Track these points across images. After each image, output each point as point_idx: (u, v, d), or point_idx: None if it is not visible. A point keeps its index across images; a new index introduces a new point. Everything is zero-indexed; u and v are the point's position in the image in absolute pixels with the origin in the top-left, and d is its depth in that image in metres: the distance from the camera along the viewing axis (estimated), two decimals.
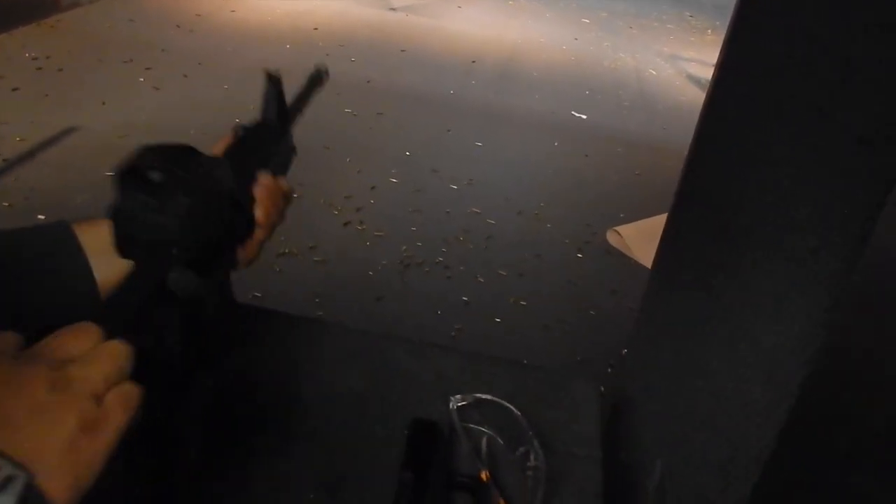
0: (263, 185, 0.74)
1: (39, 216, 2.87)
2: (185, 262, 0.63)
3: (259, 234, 0.75)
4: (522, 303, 2.88)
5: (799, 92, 0.89)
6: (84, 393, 0.49)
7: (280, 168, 0.81)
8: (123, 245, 0.64)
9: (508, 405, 0.99)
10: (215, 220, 0.67)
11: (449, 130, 4.31)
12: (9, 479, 0.43)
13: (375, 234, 3.13)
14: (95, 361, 0.51)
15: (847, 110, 0.77)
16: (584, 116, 4.84)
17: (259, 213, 0.74)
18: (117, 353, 0.51)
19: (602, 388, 2.27)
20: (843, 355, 0.73)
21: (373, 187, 3.47)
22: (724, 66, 1.18)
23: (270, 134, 0.82)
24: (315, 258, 2.88)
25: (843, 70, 0.79)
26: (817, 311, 0.71)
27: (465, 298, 2.85)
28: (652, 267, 1.47)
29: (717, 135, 1.08)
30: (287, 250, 2.85)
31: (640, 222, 3.38)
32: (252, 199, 0.74)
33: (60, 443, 0.48)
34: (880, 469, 0.61)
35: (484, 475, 0.91)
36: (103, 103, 3.92)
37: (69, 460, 0.48)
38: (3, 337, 0.51)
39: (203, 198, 0.65)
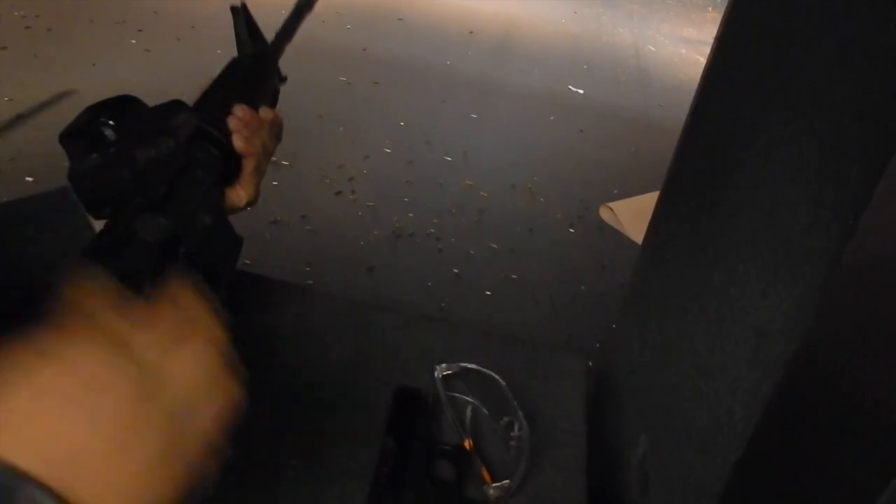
0: (237, 116, 0.74)
1: (27, 178, 2.84)
2: (153, 208, 0.62)
3: (248, 164, 0.75)
4: (513, 277, 2.87)
5: (797, 68, 0.88)
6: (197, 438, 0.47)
7: (264, 98, 0.81)
8: (90, 207, 0.63)
9: (494, 375, 0.99)
10: (176, 161, 0.66)
11: (444, 102, 4.28)
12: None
13: (367, 204, 3.11)
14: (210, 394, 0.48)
15: (846, 86, 0.76)
16: (580, 91, 4.81)
17: (238, 143, 0.73)
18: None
19: (589, 363, 2.27)
20: (831, 334, 0.73)
21: (366, 157, 3.44)
22: (723, 41, 1.16)
23: (247, 67, 0.81)
24: (306, 227, 2.86)
25: (843, 46, 0.77)
26: (807, 289, 0.70)
27: (455, 271, 2.85)
28: (642, 243, 1.46)
29: (713, 111, 1.07)
30: (278, 218, 2.84)
31: (632, 199, 3.38)
32: (228, 133, 0.73)
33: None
34: (866, 450, 0.61)
35: (467, 444, 0.91)
36: (93, 65, 3.87)
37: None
38: (103, 285, 0.48)
39: (157, 143, 0.64)
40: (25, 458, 0.40)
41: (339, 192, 3.10)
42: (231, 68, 0.80)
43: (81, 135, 0.61)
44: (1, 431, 0.40)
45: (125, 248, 0.59)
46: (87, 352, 0.45)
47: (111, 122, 0.62)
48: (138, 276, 0.59)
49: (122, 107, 0.64)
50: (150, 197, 0.63)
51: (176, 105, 0.68)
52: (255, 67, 0.82)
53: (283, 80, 0.87)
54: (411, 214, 3.11)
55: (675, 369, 1.03)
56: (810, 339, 0.70)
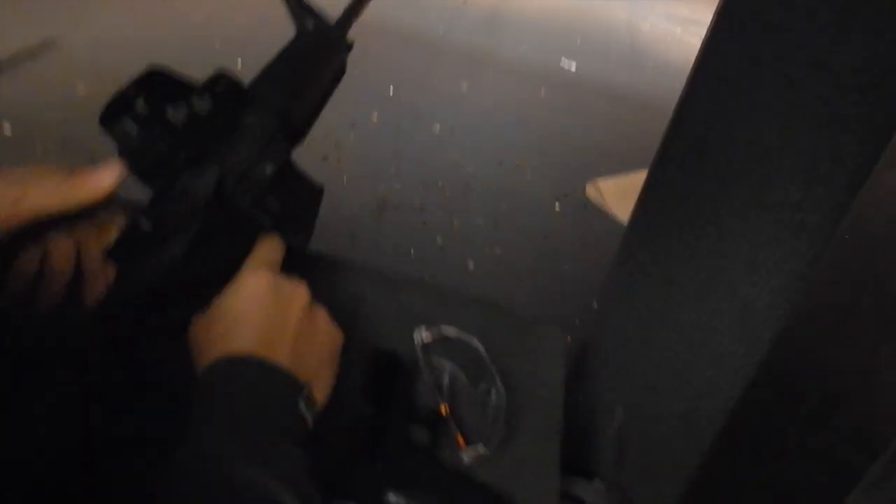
0: None
1: (5, 122, 2.78)
2: (201, 161, 0.68)
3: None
4: (497, 251, 2.86)
5: (796, 42, 0.86)
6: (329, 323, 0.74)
7: (326, 75, 0.84)
8: (147, 180, 0.68)
9: (474, 341, 0.98)
10: (216, 119, 0.69)
11: (434, 72, 4.23)
12: (302, 387, 0.65)
13: (352, 172, 3.08)
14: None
15: (844, 60, 0.74)
16: (572, 68, 4.78)
17: None
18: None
19: (569, 339, 2.27)
20: (819, 311, 0.72)
21: (353, 124, 3.40)
22: (721, 15, 1.14)
23: (309, 44, 0.82)
24: None
25: (843, 19, 0.76)
26: (797, 264, 0.69)
27: (439, 244, 2.83)
28: (629, 217, 1.45)
29: (709, 83, 1.05)
30: None
31: (619, 178, 3.37)
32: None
33: (326, 365, 0.71)
34: (852, 429, 0.60)
35: (443, 409, 0.90)
36: (78, 16, 3.78)
37: (329, 378, 0.71)
38: (269, 248, 0.73)
39: (190, 103, 0.67)
40: (248, 344, 0.64)
41: (324, 158, 3.07)
42: (294, 44, 0.80)
43: (117, 114, 0.64)
44: (234, 328, 0.65)
45: (169, 202, 0.66)
46: (273, 279, 0.69)
47: (141, 95, 0.64)
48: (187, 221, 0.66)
49: (151, 79, 0.67)
50: (194, 155, 0.67)
51: (217, 72, 0.71)
52: (318, 44, 0.83)
53: (349, 48, 0.87)
54: (397, 186, 3.08)
55: (658, 343, 1.02)
56: (797, 316, 0.69)
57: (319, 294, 1.02)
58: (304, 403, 0.65)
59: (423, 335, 0.97)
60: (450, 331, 0.99)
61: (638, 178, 1.43)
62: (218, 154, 0.70)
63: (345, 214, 2.85)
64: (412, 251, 2.75)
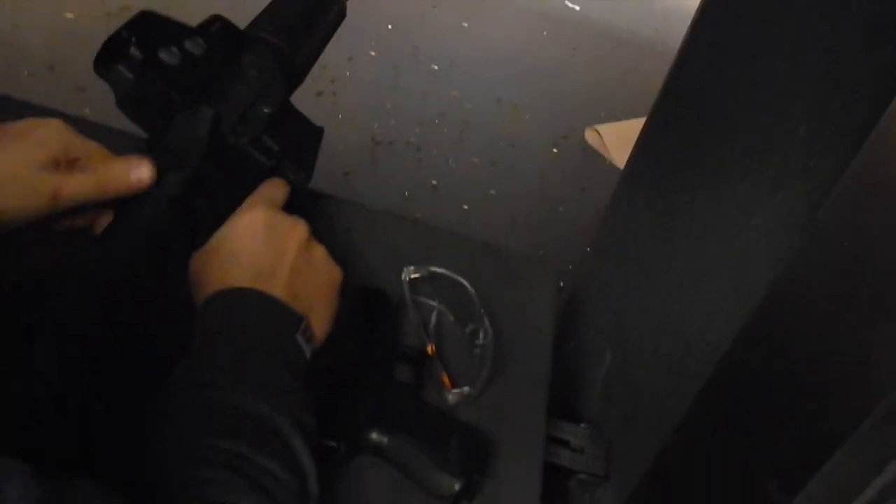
0: None
1: None
2: (196, 102, 0.68)
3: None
4: (492, 192, 2.83)
5: None
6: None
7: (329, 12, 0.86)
8: (145, 126, 0.69)
9: (462, 281, 0.96)
10: (210, 61, 0.69)
11: (435, 7, 4.12)
12: (300, 320, 0.65)
13: (348, 107, 3.02)
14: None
15: None
16: (577, 7, 4.66)
17: None
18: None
19: (561, 283, 2.26)
20: (816, 264, 0.70)
21: (350, 58, 3.32)
22: None
23: None
24: None
25: None
26: (798, 211, 0.67)
27: (434, 182, 2.79)
28: (626, 163, 1.42)
29: (717, 19, 1.01)
30: None
31: (619, 123, 3.31)
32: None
33: (324, 301, 0.72)
34: (837, 390, 0.59)
35: (430, 349, 0.89)
36: None
37: (328, 314, 0.72)
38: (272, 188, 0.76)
39: (183, 45, 0.67)
40: (245, 278, 0.65)
41: (320, 93, 3.00)
42: None
43: (110, 59, 0.64)
44: (231, 262, 0.67)
45: (166, 142, 0.66)
46: (270, 215, 0.71)
47: (133, 40, 0.64)
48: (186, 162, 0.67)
49: (144, 21, 0.66)
50: (189, 97, 0.67)
51: (212, 16, 0.72)
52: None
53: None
54: (393, 121, 3.03)
55: (649, 289, 1.01)
56: (794, 267, 0.66)
57: (314, 230, 1.00)
58: (302, 336, 0.65)
59: (410, 274, 0.95)
60: (439, 270, 0.97)
61: (638, 124, 1.39)
62: (214, 95, 0.69)
63: (339, 150, 2.80)
64: (406, 189, 2.72)
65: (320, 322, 0.71)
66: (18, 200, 0.60)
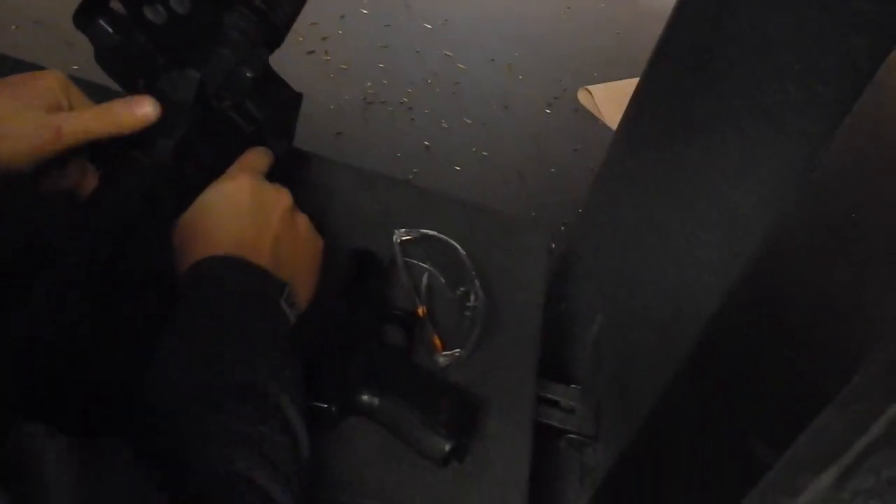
0: None
1: None
2: (180, 64, 0.67)
3: None
4: (484, 153, 2.81)
5: None
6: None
7: None
8: (124, 84, 0.68)
9: (454, 243, 0.96)
10: (196, 20, 0.68)
11: None
12: (284, 286, 0.65)
13: (340, 66, 2.98)
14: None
15: None
16: None
17: None
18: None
19: (553, 245, 2.26)
20: (807, 225, 0.70)
21: (342, 16, 3.27)
22: None
23: None
24: None
25: None
26: (790, 170, 0.67)
27: (426, 143, 2.77)
28: (618, 123, 1.41)
29: None
30: None
31: (612, 84, 3.29)
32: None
33: (307, 269, 0.73)
34: (827, 349, 0.60)
35: (421, 311, 0.88)
36: None
37: (311, 281, 0.73)
38: (256, 156, 0.75)
39: (167, 3, 0.65)
40: (228, 246, 0.64)
41: (311, 52, 2.96)
42: None
43: (91, 13, 0.62)
44: (214, 230, 0.66)
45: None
46: (254, 182, 0.70)
47: None
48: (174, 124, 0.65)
49: None
50: (174, 57, 0.66)
51: None
52: None
53: None
54: (385, 81, 3.00)
55: (641, 251, 1.01)
56: (787, 231, 0.66)
57: (302, 192, 1.00)
58: (286, 302, 0.65)
59: (402, 236, 0.95)
60: (430, 232, 0.97)
61: (630, 85, 1.38)
62: (198, 57, 0.68)
63: (331, 109, 2.78)
64: (398, 150, 2.70)
65: (303, 289, 0.71)
66: (21, 140, 0.60)
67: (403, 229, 0.95)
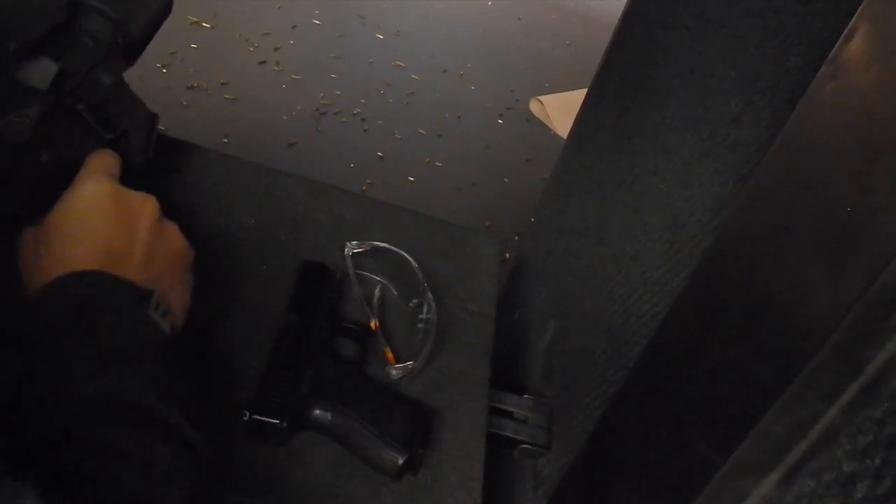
0: None
1: None
2: (38, 52, 0.64)
3: None
4: (437, 164, 2.82)
5: None
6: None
7: None
8: None
9: (405, 255, 0.96)
10: (52, 9, 0.66)
11: None
12: (150, 293, 0.61)
13: (292, 77, 2.97)
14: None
15: None
16: None
17: None
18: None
19: (507, 255, 2.27)
20: (747, 230, 0.72)
21: (294, 27, 3.26)
22: None
23: None
24: (226, 95, 2.71)
25: None
26: (729, 180, 0.68)
27: (379, 154, 2.77)
28: (568, 134, 1.43)
29: None
30: (196, 84, 2.67)
31: (563, 94, 3.33)
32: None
33: (180, 277, 0.70)
34: (770, 346, 0.61)
35: (373, 324, 0.88)
36: None
37: (186, 289, 0.71)
38: (107, 157, 0.71)
39: None
40: (90, 260, 0.60)
41: (262, 62, 2.94)
42: None
43: None
44: (73, 243, 0.61)
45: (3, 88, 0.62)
46: (116, 189, 0.66)
47: None
48: (23, 124, 0.62)
49: None
50: (26, 42, 0.63)
51: None
52: None
53: None
54: (338, 91, 2.99)
55: (589, 258, 1.02)
56: (726, 234, 0.68)
57: (253, 203, 0.99)
58: (156, 311, 0.61)
59: (353, 248, 0.95)
60: (382, 244, 0.97)
61: (580, 95, 1.40)
62: (54, 48, 0.66)
63: (283, 120, 2.76)
64: (351, 161, 2.69)
65: (179, 297, 0.68)
66: None
67: (355, 241, 0.95)
